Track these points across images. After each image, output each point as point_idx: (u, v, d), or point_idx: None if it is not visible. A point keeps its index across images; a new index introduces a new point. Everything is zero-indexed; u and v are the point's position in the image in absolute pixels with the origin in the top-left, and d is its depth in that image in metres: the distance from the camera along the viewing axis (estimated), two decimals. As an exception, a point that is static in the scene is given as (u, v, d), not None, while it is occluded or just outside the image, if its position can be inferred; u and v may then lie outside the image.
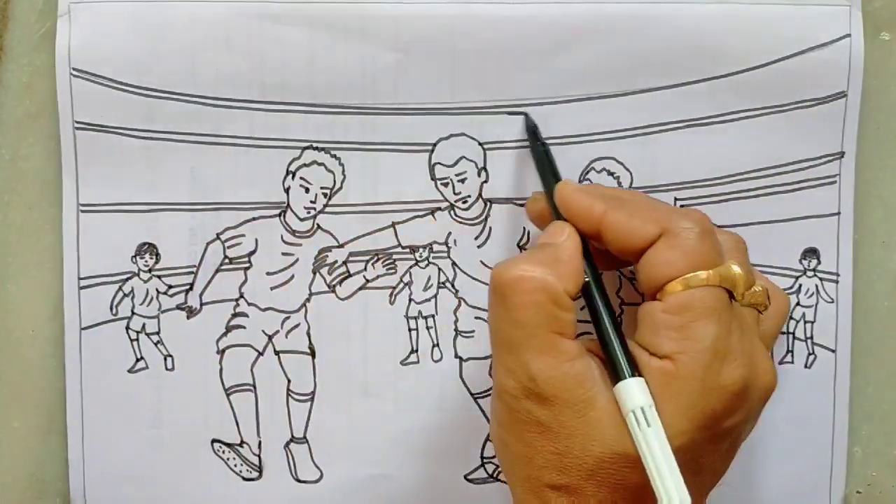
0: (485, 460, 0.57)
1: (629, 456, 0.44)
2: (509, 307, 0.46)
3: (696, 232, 0.46)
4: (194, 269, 0.55)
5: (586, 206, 0.48)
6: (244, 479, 0.56)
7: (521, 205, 0.55)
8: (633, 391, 0.44)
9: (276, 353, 0.56)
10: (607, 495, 0.45)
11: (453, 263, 0.56)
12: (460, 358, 0.56)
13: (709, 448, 0.46)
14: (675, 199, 0.55)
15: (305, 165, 0.55)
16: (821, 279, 0.56)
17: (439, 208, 0.55)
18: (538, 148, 0.53)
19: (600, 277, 0.48)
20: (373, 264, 0.55)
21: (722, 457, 0.47)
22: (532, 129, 0.54)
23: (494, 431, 0.49)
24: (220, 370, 0.56)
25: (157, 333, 0.55)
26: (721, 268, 0.46)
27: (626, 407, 0.43)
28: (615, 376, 0.45)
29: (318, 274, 0.55)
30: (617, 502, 0.45)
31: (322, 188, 0.55)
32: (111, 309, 0.55)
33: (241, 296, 0.55)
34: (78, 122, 0.54)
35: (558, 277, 0.46)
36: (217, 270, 0.55)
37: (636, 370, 0.45)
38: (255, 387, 0.56)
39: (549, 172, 0.52)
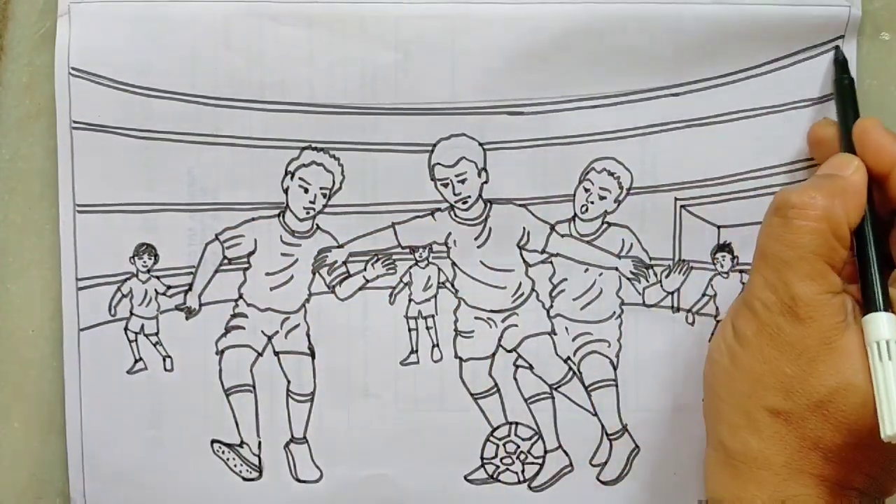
0: (485, 461, 0.56)
1: (865, 393, 0.44)
2: (790, 228, 0.46)
3: None
4: (193, 270, 0.55)
5: (886, 145, 0.49)
6: (244, 479, 0.56)
7: (522, 205, 0.55)
8: (881, 323, 0.45)
9: (276, 353, 0.56)
10: (828, 432, 0.45)
11: (453, 263, 0.56)
12: (460, 358, 0.56)
13: None
14: (676, 199, 0.55)
15: (304, 166, 0.55)
16: (821, 279, 0.56)
17: (439, 208, 0.55)
18: (843, 79, 0.53)
19: (876, 214, 0.49)
20: (372, 264, 0.55)
21: None
22: (841, 62, 0.54)
23: (725, 344, 0.49)
24: (220, 371, 0.56)
25: (156, 334, 0.55)
26: None
27: (871, 337, 0.44)
28: (867, 307, 0.45)
29: (317, 274, 0.55)
30: (836, 443, 0.45)
31: (321, 188, 0.55)
32: (110, 310, 0.55)
33: (241, 296, 0.55)
34: (75, 122, 0.54)
35: (843, 209, 0.47)
36: (216, 271, 0.55)
37: (890, 306, 0.45)
38: (254, 387, 0.56)
39: (850, 105, 0.52)
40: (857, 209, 0.47)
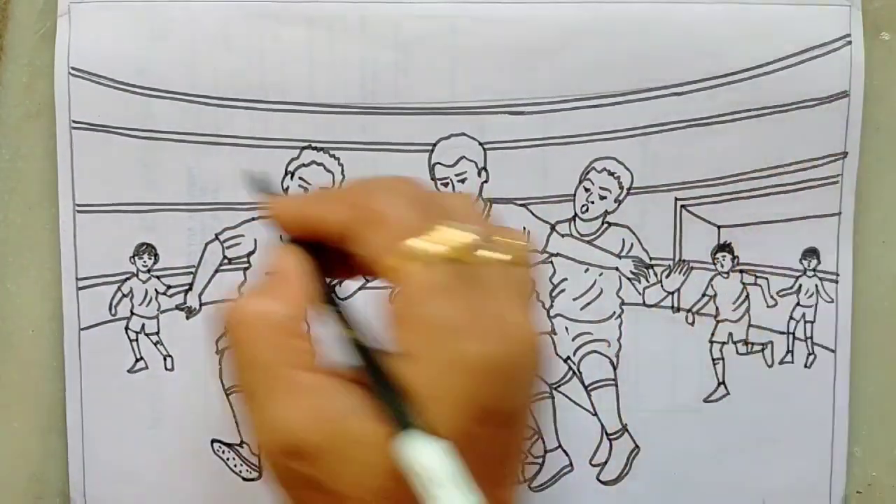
0: (484, 460, 0.56)
1: (397, 472, 0.37)
2: (239, 347, 0.39)
3: (395, 199, 0.40)
4: (193, 270, 0.55)
5: (284, 211, 0.43)
6: (244, 479, 0.56)
7: (522, 205, 0.55)
8: (413, 449, 0.36)
9: (276, 353, 0.56)
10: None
11: (453, 263, 0.56)
12: (460, 358, 0.56)
13: (481, 434, 0.38)
14: (676, 199, 0.55)
15: (304, 165, 0.54)
16: (821, 279, 0.56)
17: (439, 208, 0.55)
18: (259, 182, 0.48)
19: (337, 300, 0.42)
20: (372, 264, 0.55)
21: (507, 438, 0.40)
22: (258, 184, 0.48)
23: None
24: (220, 370, 0.56)
25: (157, 334, 0.55)
26: (434, 234, 0.39)
27: (409, 469, 0.36)
28: (394, 433, 0.37)
29: (317, 274, 0.55)
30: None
31: (321, 188, 0.55)
32: (110, 309, 0.55)
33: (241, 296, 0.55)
34: (75, 122, 0.54)
35: (284, 302, 0.40)
36: (216, 271, 0.55)
37: (412, 418, 0.37)
38: (254, 387, 0.56)
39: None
40: (299, 298, 0.40)
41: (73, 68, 0.53)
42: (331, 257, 0.42)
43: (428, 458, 0.36)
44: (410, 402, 0.37)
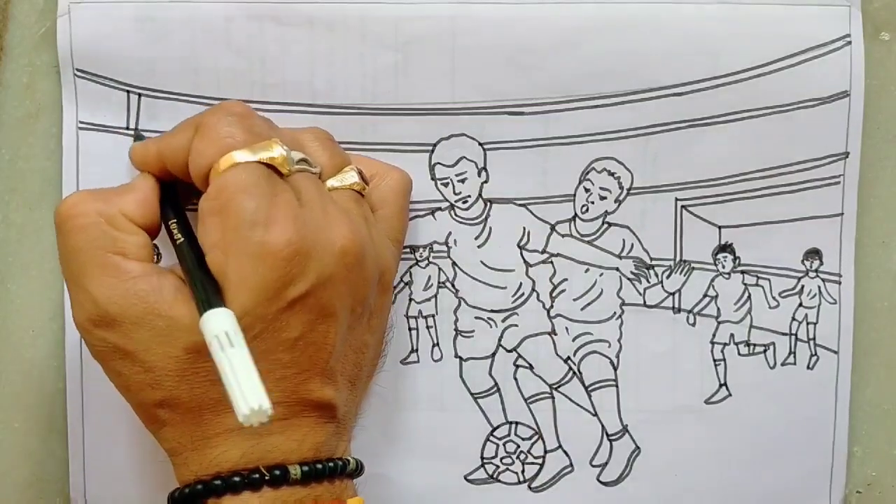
0: (485, 460, 0.56)
1: (194, 346, 0.44)
2: (66, 234, 0.46)
3: (224, 116, 0.46)
4: (193, 269, 0.55)
5: (142, 150, 0.49)
6: (244, 479, 0.56)
7: (522, 205, 0.55)
8: (212, 321, 0.42)
9: (276, 352, 0.56)
10: (201, 393, 0.45)
11: (453, 263, 0.56)
12: (460, 358, 0.56)
13: (287, 320, 0.45)
14: (676, 200, 0.55)
15: (305, 165, 0.55)
16: (823, 280, 0.56)
17: (439, 208, 0.55)
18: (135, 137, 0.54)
19: (183, 214, 0.48)
20: (372, 264, 0.55)
21: (315, 326, 0.46)
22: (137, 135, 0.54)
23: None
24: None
25: (157, 333, 0.55)
26: (256, 146, 0.46)
27: (207, 339, 0.42)
28: (200, 310, 0.44)
29: (317, 274, 0.55)
30: (214, 395, 0.45)
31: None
32: (111, 309, 0.55)
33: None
34: (81, 123, 0.54)
35: (115, 204, 0.46)
36: (216, 270, 0.55)
37: (217, 301, 0.44)
38: (254, 387, 0.56)
39: None
40: (136, 202, 0.47)
41: (76, 69, 0.53)
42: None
43: (214, 326, 0.42)
44: (215, 287, 0.44)
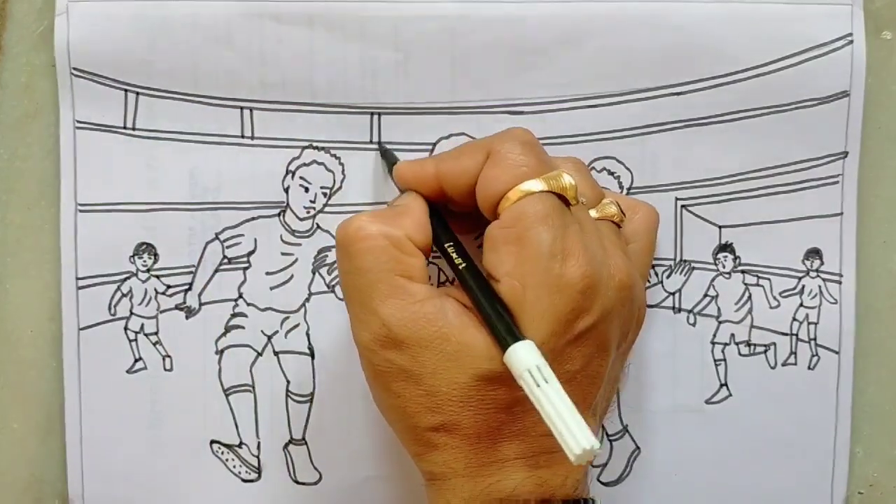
0: (485, 461, 0.56)
1: (491, 376, 0.44)
2: (353, 256, 0.46)
3: (518, 145, 0.47)
4: (193, 269, 0.55)
5: (418, 169, 0.49)
6: (243, 480, 0.56)
7: (522, 205, 0.55)
8: (519, 355, 0.42)
9: (276, 353, 0.56)
10: (483, 421, 0.45)
11: (453, 263, 0.56)
12: (460, 358, 0.56)
13: (571, 353, 0.45)
14: (676, 199, 0.55)
15: (305, 165, 0.55)
16: (824, 280, 0.56)
17: (439, 208, 0.55)
18: (388, 160, 0.54)
19: (456, 237, 0.48)
20: (372, 264, 0.55)
21: (591, 361, 0.46)
22: (383, 150, 0.55)
23: (370, 391, 0.49)
24: (219, 370, 0.56)
25: (156, 334, 0.55)
26: (549, 175, 0.46)
27: (516, 372, 0.42)
28: (500, 346, 0.44)
29: (317, 274, 0.55)
30: (494, 425, 0.45)
31: (322, 188, 0.55)
32: (109, 309, 0.55)
33: (241, 296, 0.55)
34: (78, 122, 0.54)
35: (399, 227, 0.47)
36: (216, 270, 0.55)
37: (518, 332, 0.44)
38: (254, 387, 0.56)
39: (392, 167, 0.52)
40: (417, 225, 0.47)
41: (73, 68, 0.53)
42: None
43: (525, 361, 0.42)
44: (510, 316, 0.44)
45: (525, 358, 0.42)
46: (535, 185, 0.45)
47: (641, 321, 0.50)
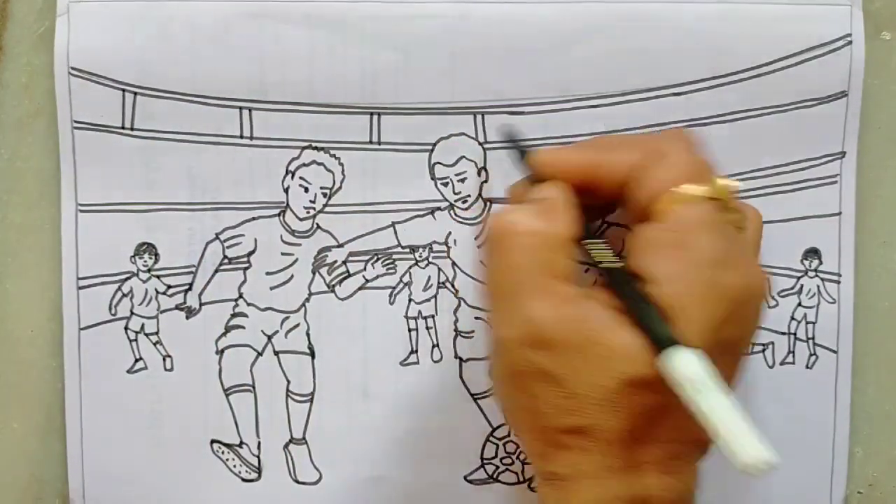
0: (485, 461, 0.56)
1: (640, 380, 0.43)
2: (504, 252, 0.45)
3: (683, 147, 0.47)
4: (193, 269, 0.55)
5: (563, 159, 0.48)
6: (243, 480, 0.56)
7: (522, 205, 0.55)
8: (679, 360, 0.42)
9: (276, 353, 0.56)
10: (622, 425, 0.44)
11: (453, 263, 0.56)
12: (460, 358, 0.56)
13: (718, 362, 0.44)
14: (676, 199, 0.55)
15: (305, 165, 0.55)
16: (822, 279, 0.56)
17: (439, 208, 0.55)
18: (515, 145, 0.53)
19: (601, 234, 0.48)
20: (372, 264, 0.55)
21: (730, 369, 0.46)
22: (508, 132, 0.54)
23: (497, 389, 0.48)
24: (220, 370, 0.56)
25: (156, 333, 0.55)
26: (710, 180, 0.46)
27: (677, 378, 0.42)
28: (656, 350, 0.43)
29: (317, 274, 0.55)
30: (632, 429, 0.44)
31: (321, 188, 0.55)
32: (110, 309, 0.55)
33: (241, 296, 0.55)
34: (77, 122, 0.54)
35: (552, 224, 0.46)
36: (216, 270, 0.55)
37: (675, 338, 0.43)
38: (254, 387, 0.56)
39: (525, 158, 0.51)
40: (567, 222, 0.46)
41: (72, 68, 0.53)
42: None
43: (691, 368, 0.42)
44: (666, 320, 0.43)
45: (687, 364, 0.42)
46: (699, 189, 0.45)
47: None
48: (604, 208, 0.50)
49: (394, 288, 0.56)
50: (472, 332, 0.56)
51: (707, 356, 0.42)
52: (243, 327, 0.55)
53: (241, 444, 0.56)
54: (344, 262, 0.55)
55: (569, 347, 0.44)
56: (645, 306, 0.44)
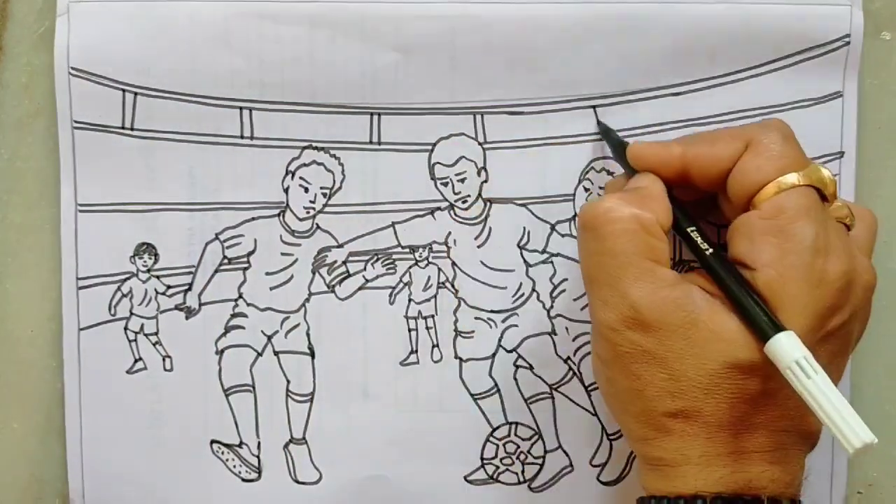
0: (484, 461, 0.56)
1: (744, 365, 0.44)
2: (602, 238, 0.46)
3: (780, 137, 0.47)
4: (193, 270, 0.55)
5: (662, 151, 0.49)
6: (243, 479, 0.56)
7: (522, 205, 0.55)
8: (785, 345, 0.43)
9: (276, 353, 0.56)
10: (726, 410, 0.45)
11: (453, 263, 0.56)
12: (460, 358, 0.56)
13: (820, 350, 0.45)
14: (674, 199, 0.55)
15: (305, 165, 0.55)
16: (822, 280, 0.56)
17: (439, 208, 0.55)
18: (613, 140, 0.54)
19: (697, 222, 0.49)
20: (372, 264, 0.55)
21: (834, 359, 0.47)
22: (605, 129, 0.54)
23: (598, 371, 0.49)
24: (220, 371, 0.56)
25: (156, 334, 0.55)
26: (809, 169, 0.46)
27: (783, 363, 0.43)
28: (761, 335, 0.44)
29: (317, 274, 0.55)
30: (736, 415, 0.45)
31: (321, 188, 0.55)
32: (110, 309, 0.55)
33: (241, 296, 0.55)
34: (77, 122, 0.54)
35: (649, 210, 0.47)
36: (216, 271, 0.55)
37: (779, 323, 0.44)
38: (254, 387, 0.56)
39: (623, 152, 0.52)
40: (663, 209, 0.47)
41: (73, 68, 0.53)
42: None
43: (797, 353, 0.42)
44: (769, 306, 0.44)
45: (792, 349, 0.43)
46: (798, 178, 0.46)
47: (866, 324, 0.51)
48: (693, 206, 0.51)
49: (394, 288, 0.56)
50: (472, 332, 0.56)
51: (810, 343, 0.44)
52: (243, 327, 0.55)
53: (240, 444, 0.56)
54: (344, 263, 0.55)
55: (671, 330, 0.45)
56: (748, 292, 0.45)
